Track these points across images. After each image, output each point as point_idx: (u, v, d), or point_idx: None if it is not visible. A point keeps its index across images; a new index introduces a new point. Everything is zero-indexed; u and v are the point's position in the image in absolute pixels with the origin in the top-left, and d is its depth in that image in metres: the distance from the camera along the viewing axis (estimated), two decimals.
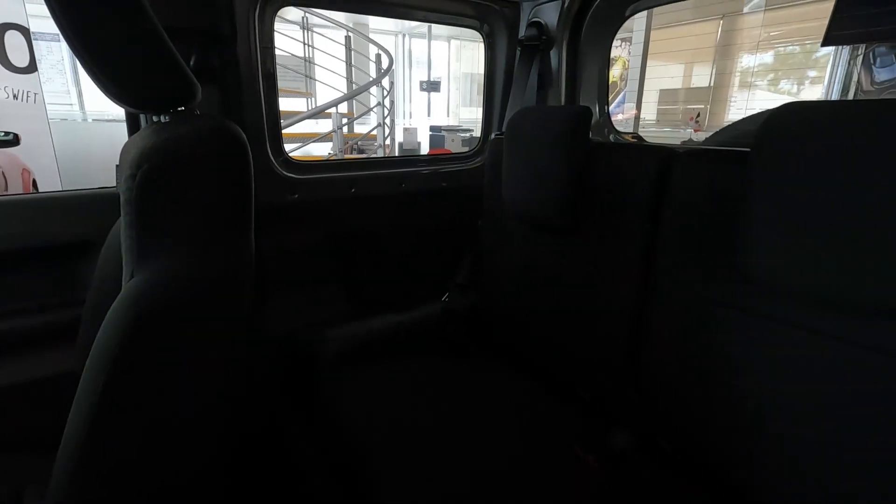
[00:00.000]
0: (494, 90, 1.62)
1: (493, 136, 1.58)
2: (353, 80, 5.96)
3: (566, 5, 1.42)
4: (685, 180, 0.90)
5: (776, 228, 0.70)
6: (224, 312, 0.64)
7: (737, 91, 8.66)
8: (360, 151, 6.80)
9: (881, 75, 6.68)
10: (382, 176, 1.51)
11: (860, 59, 6.92)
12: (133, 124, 1.09)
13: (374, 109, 5.33)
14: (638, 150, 1.07)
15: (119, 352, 0.54)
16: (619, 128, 1.62)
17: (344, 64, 5.80)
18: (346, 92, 5.49)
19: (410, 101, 10.44)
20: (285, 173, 1.31)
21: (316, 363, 1.26)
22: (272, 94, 1.25)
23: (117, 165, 1.03)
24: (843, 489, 0.70)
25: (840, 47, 7.12)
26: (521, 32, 1.52)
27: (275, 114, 1.27)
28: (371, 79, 5.69)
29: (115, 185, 1.18)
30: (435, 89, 8.25)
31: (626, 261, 1.00)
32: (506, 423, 1.07)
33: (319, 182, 1.38)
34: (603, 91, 1.56)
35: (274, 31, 1.23)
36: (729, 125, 2.21)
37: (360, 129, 6.45)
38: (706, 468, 0.90)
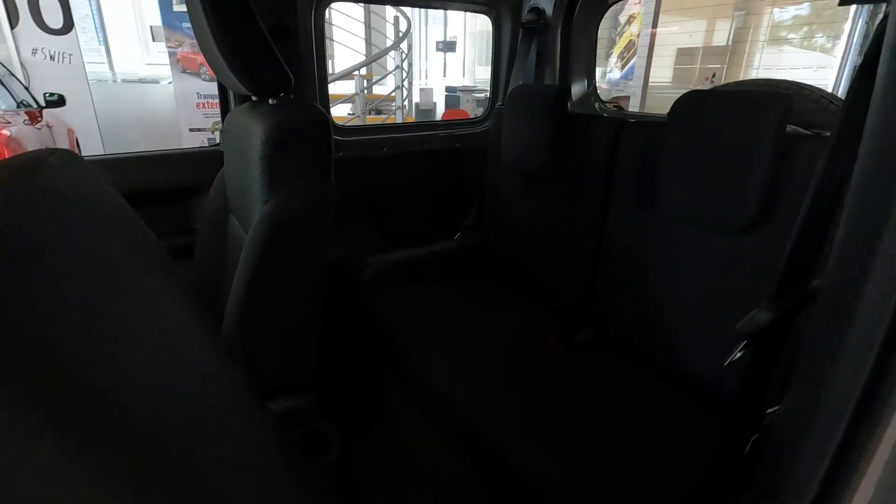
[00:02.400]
0: (501, 68, 1.94)
1: (497, 106, 1.92)
2: (371, 41, 6.16)
3: None
4: (630, 143, 1.25)
5: (674, 176, 1.06)
6: (319, 227, 1.02)
7: (759, 47, 8.56)
8: (378, 112, 7.06)
9: None
10: (408, 138, 1.86)
11: (879, 17, 6.84)
12: (224, 100, 1.46)
13: (393, 72, 5.57)
14: (601, 120, 1.41)
15: (265, 244, 0.94)
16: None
17: (360, 25, 5.98)
18: (363, 52, 5.72)
19: (426, 59, 10.50)
20: (333, 137, 1.67)
21: (357, 283, 1.66)
22: (323, 75, 1.59)
23: (221, 130, 1.40)
24: (710, 340, 1.09)
25: (860, 7, 7.01)
26: (524, 16, 1.82)
27: (325, 90, 1.62)
28: (386, 37, 5.89)
29: (206, 145, 1.55)
30: (451, 49, 8.34)
31: (590, 203, 1.36)
32: (502, 324, 1.46)
33: (358, 143, 1.74)
34: (591, 68, 1.87)
35: (324, 24, 1.56)
36: None
37: (377, 89, 6.68)
38: (638, 347, 1.29)
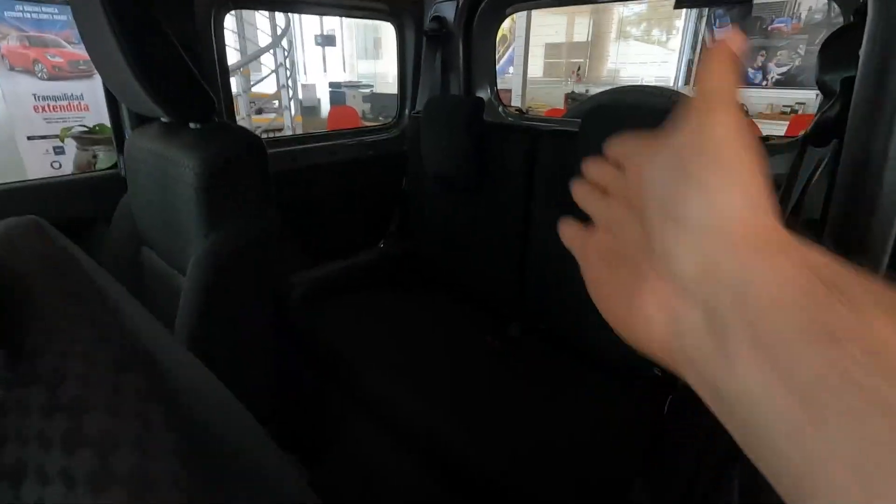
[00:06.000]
0: (406, 73, 1.96)
1: (407, 112, 1.95)
2: (245, 35, 5.75)
3: (460, 4, 1.78)
4: (546, 152, 1.36)
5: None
6: (266, 259, 0.98)
7: (613, 44, 9.58)
8: (259, 111, 6.62)
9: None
10: (318, 148, 1.80)
11: (705, 19, 8.03)
12: (117, 118, 1.29)
13: (272, 70, 5.26)
14: (518, 130, 1.51)
15: (210, 285, 0.87)
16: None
17: (230, 17, 5.54)
18: (236, 47, 5.33)
19: (304, 51, 10.02)
20: None
21: (286, 304, 1.59)
22: (227, 85, 1.48)
23: (121, 152, 1.25)
24: None
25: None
26: (426, 25, 1.86)
27: (230, 101, 1.51)
28: (258, 29, 5.52)
29: (100, 168, 1.37)
30: (330, 43, 8.07)
31: (514, 207, 1.46)
32: (436, 327, 1.50)
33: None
34: (492, 75, 1.97)
35: (224, 31, 1.45)
36: (588, 98, 2.75)
37: (259, 88, 6.26)
38: (566, 336, 1.42)
